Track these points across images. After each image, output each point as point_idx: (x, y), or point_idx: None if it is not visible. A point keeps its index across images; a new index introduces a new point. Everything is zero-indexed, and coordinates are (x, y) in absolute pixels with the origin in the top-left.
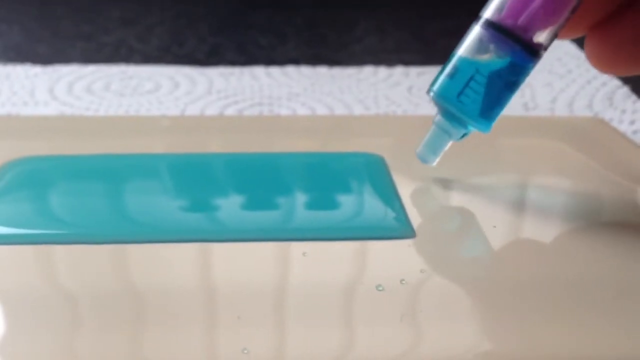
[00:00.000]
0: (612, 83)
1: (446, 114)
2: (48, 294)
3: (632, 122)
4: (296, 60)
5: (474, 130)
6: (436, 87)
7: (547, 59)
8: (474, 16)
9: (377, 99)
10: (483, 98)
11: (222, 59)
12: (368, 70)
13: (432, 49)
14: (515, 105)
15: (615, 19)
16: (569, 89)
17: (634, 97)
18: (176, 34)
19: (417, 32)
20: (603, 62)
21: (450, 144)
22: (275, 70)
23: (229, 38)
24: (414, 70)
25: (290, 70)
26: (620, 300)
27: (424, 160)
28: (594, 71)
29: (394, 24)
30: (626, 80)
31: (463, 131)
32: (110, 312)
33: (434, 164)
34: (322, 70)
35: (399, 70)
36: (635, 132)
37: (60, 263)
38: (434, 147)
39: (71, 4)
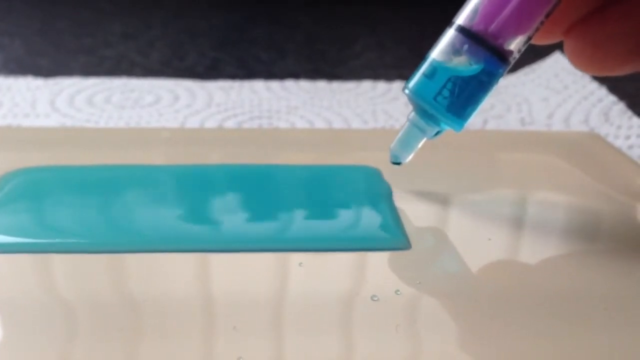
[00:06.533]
0: (608, 99)
1: (420, 111)
2: (46, 303)
3: (628, 138)
4: (296, 75)
5: (447, 129)
6: (412, 85)
7: (544, 75)
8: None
9: (375, 113)
10: (456, 99)
11: (222, 73)
12: (367, 85)
13: None
14: (512, 120)
15: (593, 18)
16: (566, 105)
17: (629, 112)
18: (177, 48)
19: (415, 48)
20: (583, 61)
21: (423, 141)
22: (274, 84)
23: (229, 52)
24: None
25: (290, 84)
26: (615, 314)
27: (396, 157)
28: (590, 87)
29: (393, 40)
30: (622, 96)
31: (437, 129)
32: (108, 321)
33: (407, 161)
34: (321, 85)
35: (397, 85)
36: (630, 147)
37: (59, 272)
38: (407, 144)
39: (73, 18)
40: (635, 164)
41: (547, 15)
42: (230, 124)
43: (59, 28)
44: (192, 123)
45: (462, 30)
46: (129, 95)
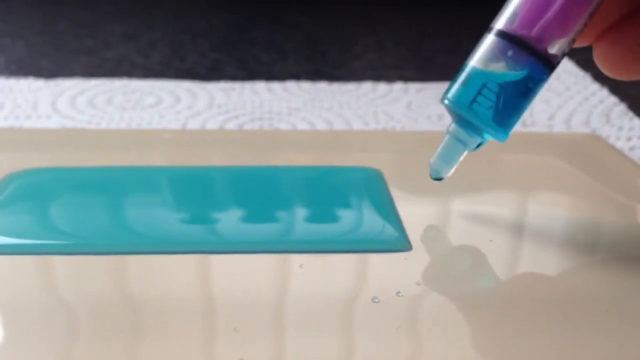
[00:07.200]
0: (609, 100)
1: (461, 122)
2: (48, 304)
3: (629, 139)
4: (296, 76)
5: (489, 139)
6: (450, 94)
7: None
8: (473, 34)
9: (376, 115)
10: (497, 106)
11: (223, 74)
12: (367, 86)
13: (431, 65)
14: None
15: (624, 23)
16: (567, 106)
17: (630, 114)
18: (177, 49)
19: (416, 49)
20: (613, 66)
21: (465, 154)
22: (275, 86)
23: (229, 53)
24: (413, 87)
25: (291, 85)
26: (616, 316)
27: (437, 171)
28: (591, 88)
29: (394, 41)
30: (623, 98)
31: (478, 140)
32: (109, 322)
33: (448, 175)
34: (322, 86)
35: (398, 87)
36: (631, 148)
37: (60, 273)
38: (448, 157)
39: (74, 19)
40: (636, 166)
41: (591, 16)
42: (231, 125)
43: (59, 29)
44: (193, 124)
45: (503, 35)
46: (130, 97)
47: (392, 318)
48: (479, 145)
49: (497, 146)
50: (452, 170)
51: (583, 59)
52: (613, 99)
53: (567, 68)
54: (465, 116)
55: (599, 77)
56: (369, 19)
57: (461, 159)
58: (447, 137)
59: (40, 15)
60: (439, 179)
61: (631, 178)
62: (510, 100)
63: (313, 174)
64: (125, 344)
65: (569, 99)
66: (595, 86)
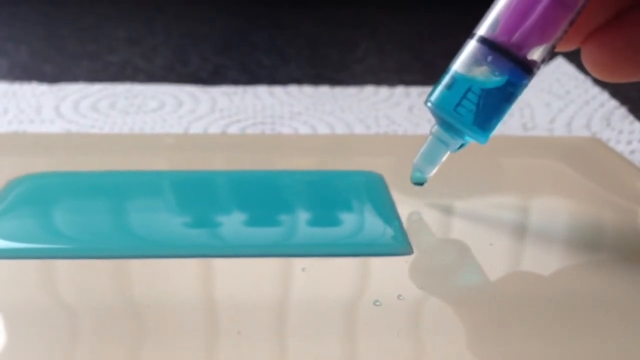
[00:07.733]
0: (609, 104)
1: (444, 124)
2: (51, 308)
3: (629, 143)
4: (298, 80)
5: (471, 141)
6: (434, 97)
7: (546, 79)
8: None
9: (377, 119)
10: (479, 110)
11: (225, 78)
12: (369, 90)
13: (432, 69)
14: (514, 125)
15: (612, 25)
16: (568, 110)
17: (631, 117)
18: (180, 53)
19: (417, 53)
20: (602, 69)
21: (447, 155)
22: (277, 90)
23: (232, 58)
24: (414, 91)
25: (293, 89)
26: (616, 318)
27: (420, 171)
28: (592, 92)
29: (395, 45)
30: (623, 101)
31: (460, 142)
32: (112, 326)
33: (430, 175)
34: (324, 90)
35: (399, 91)
36: (632, 152)
37: (63, 278)
38: (431, 157)
39: (77, 23)
40: (636, 169)
41: (571, 23)
42: (233, 129)
43: (62, 34)
44: (196, 129)
45: (484, 41)
46: (133, 101)
47: (393, 321)
48: (461, 146)
49: (498, 150)
50: (435, 170)
51: None
52: (613, 103)
53: (567, 71)
54: (447, 119)
55: (600, 81)
56: (369, 22)
57: (443, 159)
58: (430, 138)
59: (43, 20)
60: (420, 184)
61: (631, 182)
62: (491, 104)
63: (315, 178)
64: (128, 348)
65: (570, 103)
66: (595, 90)
